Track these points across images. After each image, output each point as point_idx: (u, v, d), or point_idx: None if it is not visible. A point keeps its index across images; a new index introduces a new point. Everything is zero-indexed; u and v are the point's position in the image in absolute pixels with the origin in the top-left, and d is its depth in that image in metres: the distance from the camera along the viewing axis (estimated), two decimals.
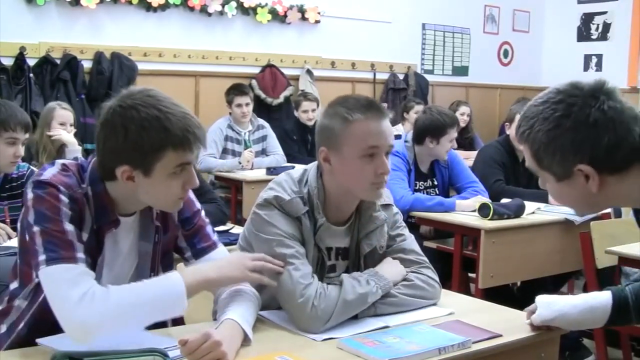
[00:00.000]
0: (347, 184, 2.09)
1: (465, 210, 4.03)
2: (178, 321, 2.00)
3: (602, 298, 1.94)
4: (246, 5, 6.95)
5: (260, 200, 2.11)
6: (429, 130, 4.19)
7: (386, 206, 2.25)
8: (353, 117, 2.04)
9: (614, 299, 1.92)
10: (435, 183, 4.37)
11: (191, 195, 2.06)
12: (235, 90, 5.98)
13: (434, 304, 2.16)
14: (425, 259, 2.26)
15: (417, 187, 4.26)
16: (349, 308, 1.98)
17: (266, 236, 2.05)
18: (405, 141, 4.30)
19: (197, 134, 1.81)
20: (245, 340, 1.80)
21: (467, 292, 4.13)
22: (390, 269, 2.14)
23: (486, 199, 4.11)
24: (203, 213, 2.13)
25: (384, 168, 2.05)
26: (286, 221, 2.06)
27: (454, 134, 4.22)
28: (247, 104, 5.90)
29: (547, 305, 1.96)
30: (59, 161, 1.89)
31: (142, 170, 1.79)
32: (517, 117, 4.44)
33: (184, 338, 1.67)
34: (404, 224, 2.31)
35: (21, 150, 3.19)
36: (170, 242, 2.05)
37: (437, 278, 2.22)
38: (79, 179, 1.85)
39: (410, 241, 2.27)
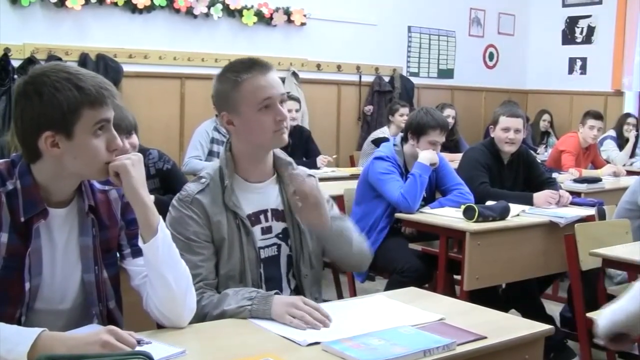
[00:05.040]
0: (253, 139, 2.26)
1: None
2: None
3: None
4: (232, 7, 6.95)
5: None
6: (411, 126, 4.19)
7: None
8: (241, 78, 2.21)
9: None
10: None
11: None
12: None
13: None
14: None
15: None
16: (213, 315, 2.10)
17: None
18: (394, 145, 4.28)
19: (110, 90, 1.85)
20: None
21: (452, 294, 4.13)
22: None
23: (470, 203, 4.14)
24: None
25: (281, 115, 2.23)
26: (187, 218, 2.21)
27: (435, 136, 4.13)
28: None
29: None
30: None
31: (64, 134, 1.79)
32: (502, 119, 4.49)
33: None
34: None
35: None
36: (113, 240, 2.03)
37: None
38: (6, 176, 1.85)
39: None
